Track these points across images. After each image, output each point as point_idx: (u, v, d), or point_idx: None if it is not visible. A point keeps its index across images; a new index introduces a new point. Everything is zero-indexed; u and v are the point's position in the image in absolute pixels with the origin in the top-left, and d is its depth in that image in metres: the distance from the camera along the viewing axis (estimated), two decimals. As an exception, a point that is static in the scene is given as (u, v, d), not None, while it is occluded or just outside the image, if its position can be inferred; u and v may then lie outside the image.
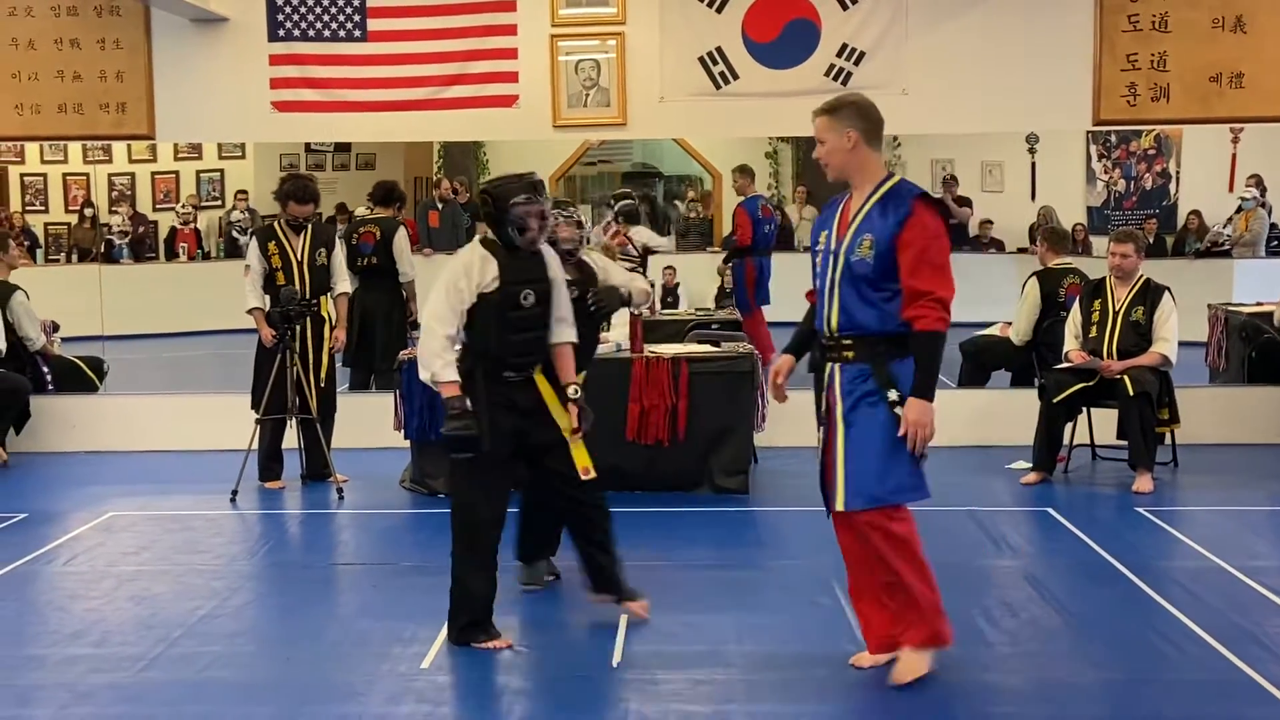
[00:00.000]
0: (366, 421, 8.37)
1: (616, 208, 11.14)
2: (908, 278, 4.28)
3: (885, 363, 4.34)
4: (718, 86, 8.89)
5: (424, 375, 4.93)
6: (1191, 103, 8.72)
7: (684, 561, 6.16)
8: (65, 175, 16.81)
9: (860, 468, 4.36)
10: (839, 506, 4.42)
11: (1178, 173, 14.55)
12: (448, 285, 4.91)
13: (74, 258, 16.12)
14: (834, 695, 4.52)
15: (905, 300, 4.30)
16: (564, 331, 5.12)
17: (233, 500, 7.43)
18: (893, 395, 4.32)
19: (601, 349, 7.61)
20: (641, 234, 11.38)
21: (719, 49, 8.85)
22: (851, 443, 4.37)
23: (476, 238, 5.15)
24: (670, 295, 12.53)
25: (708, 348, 7.76)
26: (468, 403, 4.84)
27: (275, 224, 7.89)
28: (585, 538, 5.20)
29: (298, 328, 7.58)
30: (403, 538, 6.98)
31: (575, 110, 8.99)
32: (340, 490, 7.56)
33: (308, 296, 7.68)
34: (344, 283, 8.02)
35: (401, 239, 9.06)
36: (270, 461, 7.79)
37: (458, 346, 4.97)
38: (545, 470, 5.13)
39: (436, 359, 4.86)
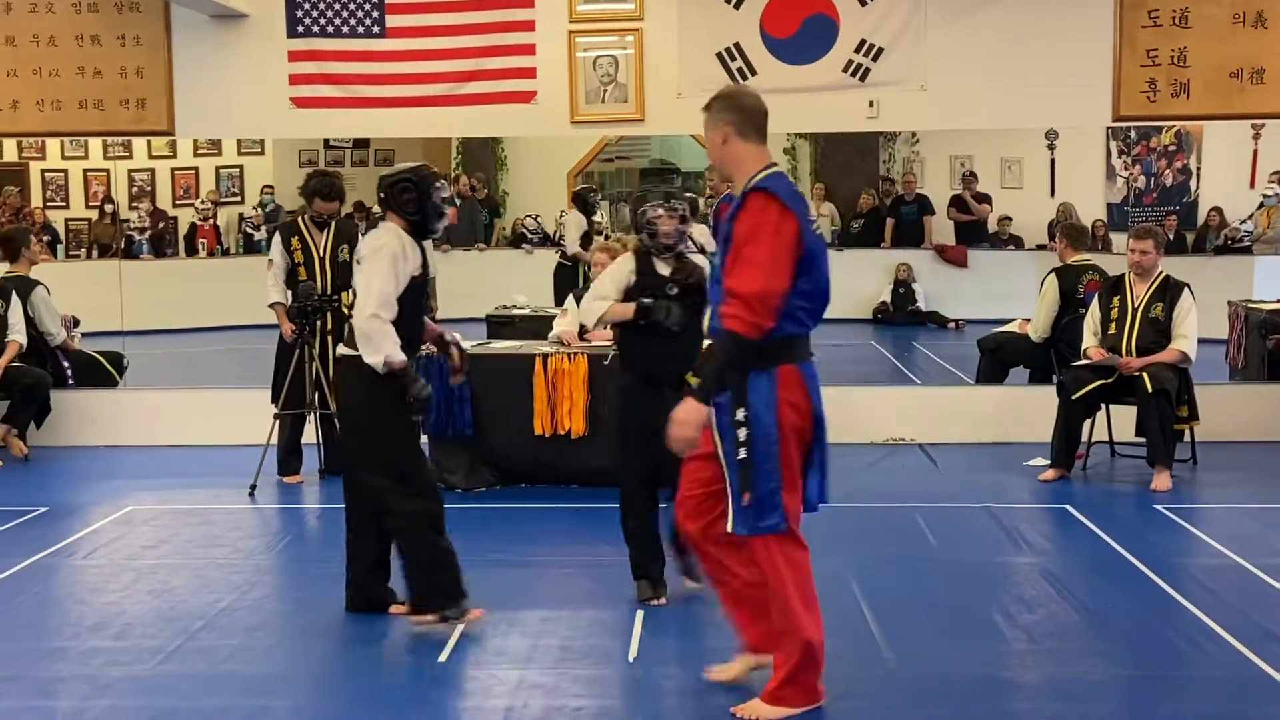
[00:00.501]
0: (384, 417, 8.38)
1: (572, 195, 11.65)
2: (724, 275, 4.00)
3: (740, 376, 3.99)
4: (736, 82, 8.87)
5: (376, 359, 4.90)
6: (1212, 99, 8.68)
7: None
8: (86, 171, 16.89)
9: (733, 491, 4.07)
10: (728, 527, 4.13)
11: (1198, 169, 14.47)
12: (388, 273, 4.96)
13: (94, 253, 16.20)
14: (853, 691, 4.51)
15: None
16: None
17: (251, 495, 7.47)
18: (740, 414, 4.00)
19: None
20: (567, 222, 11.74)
21: (737, 45, 8.85)
22: (727, 461, 4.08)
23: (387, 224, 5.19)
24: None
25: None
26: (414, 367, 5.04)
27: (299, 219, 7.92)
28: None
29: (317, 323, 7.60)
30: (420, 532, 6.99)
31: (593, 106, 8.99)
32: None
33: (329, 292, 7.70)
34: None
35: None
36: (289, 456, 7.82)
37: None
38: None
39: (389, 342, 4.92)
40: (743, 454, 3.98)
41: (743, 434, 3.97)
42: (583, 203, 11.69)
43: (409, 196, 5.09)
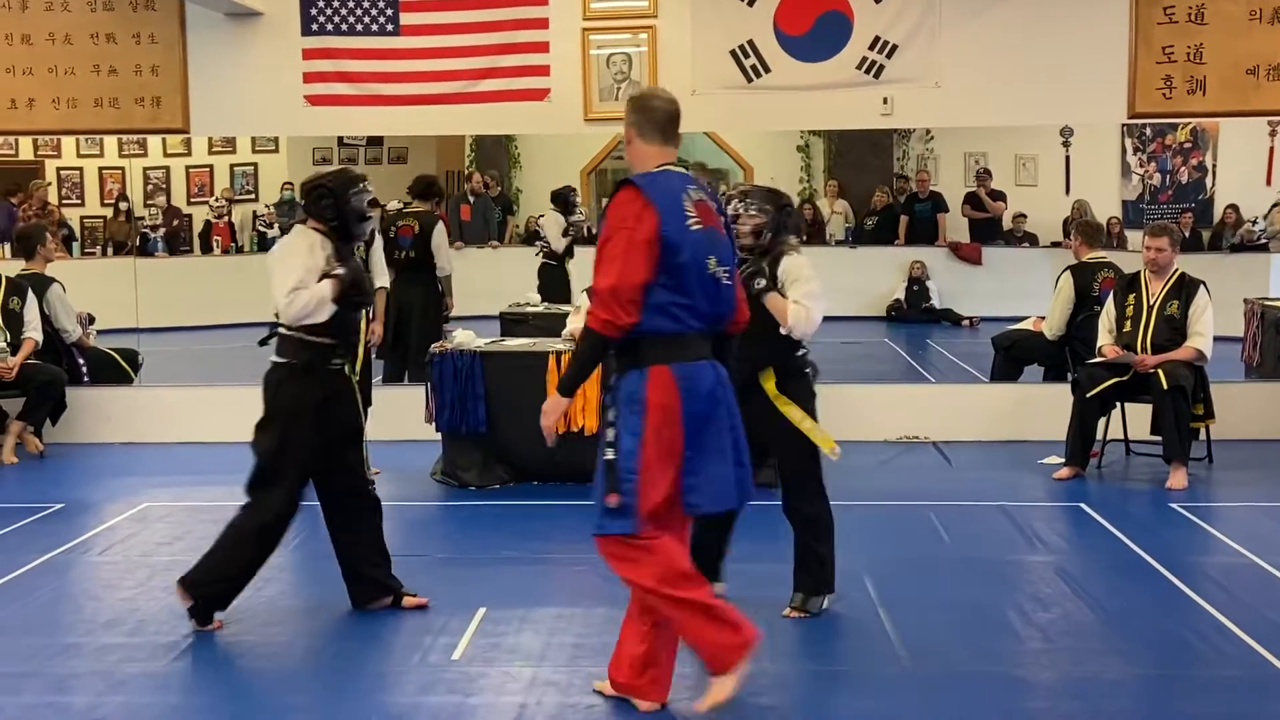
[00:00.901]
0: (398, 414, 8.40)
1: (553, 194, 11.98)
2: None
3: (619, 374, 4.05)
4: (749, 80, 8.87)
5: (324, 310, 4.95)
6: (1228, 95, 8.63)
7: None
8: (101, 169, 16.95)
9: (598, 491, 4.08)
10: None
11: (1214, 166, 14.42)
12: (292, 264, 4.97)
13: (109, 251, 16.26)
14: (868, 689, 4.51)
15: None
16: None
17: (371, 483, 7.45)
18: (610, 414, 4.03)
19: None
20: (547, 223, 11.87)
21: (751, 42, 8.83)
22: (598, 459, 4.11)
23: (300, 225, 5.19)
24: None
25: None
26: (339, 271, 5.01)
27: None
28: (350, 531, 5.31)
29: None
30: (433, 529, 7.01)
31: (607, 104, 8.99)
32: (372, 482, 7.56)
33: None
34: (383, 277, 8.00)
35: (440, 234, 9.10)
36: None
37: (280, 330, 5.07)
38: (338, 462, 5.25)
39: (317, 293, 4.94)
40: (609, 454, 3.98)
41: (610, 434, 3.99)
42: (564, 202, 11.82)
43: (326, 203, 5.08)
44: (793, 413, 5.05)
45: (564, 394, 4.05)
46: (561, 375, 4.10)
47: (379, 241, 8.09)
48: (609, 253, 3.91)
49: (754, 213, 5.10)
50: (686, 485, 3.99)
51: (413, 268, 9.05)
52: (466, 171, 16.52)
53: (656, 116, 4.13)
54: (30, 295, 8.75)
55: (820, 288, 5.08)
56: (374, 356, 8.50)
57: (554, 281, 11.47)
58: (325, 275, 5.00)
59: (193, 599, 5.09)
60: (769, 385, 5.09)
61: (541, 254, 11.80)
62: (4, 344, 8.52)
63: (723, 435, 4.04)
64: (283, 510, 5.12)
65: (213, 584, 5.11)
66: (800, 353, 5.19)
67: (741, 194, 5.18)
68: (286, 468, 5.06)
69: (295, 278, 4.95)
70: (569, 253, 11.56)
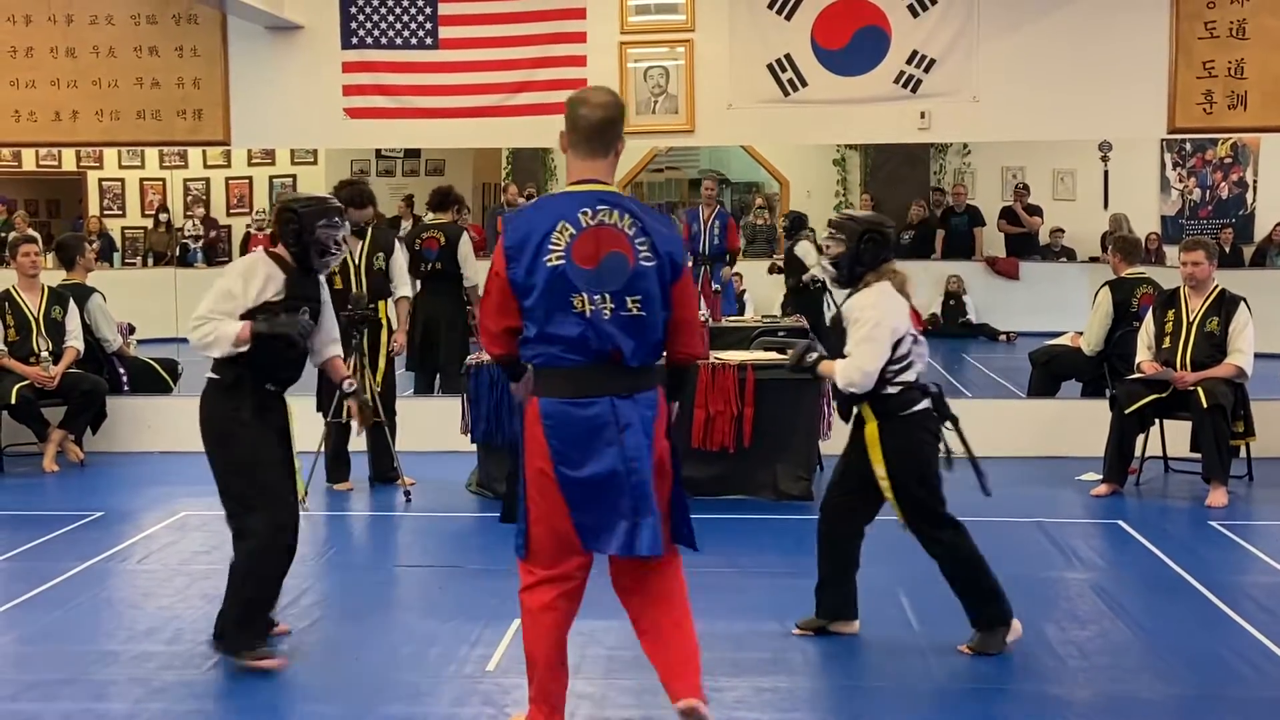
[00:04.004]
0: (434, 425, 8.44)
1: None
2: None
3: None
4: (786, 94, 8.87)
5: (224, 349, 4.81)
6: (1270, 110, 8.57)
7: (747, 568, 6.15)
8: (142, 180, 17.12)
9: None
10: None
11: (1255, 182, 14.30)
12: (224, 290, 4.86)
13: (149, 261, 16.42)
14: (899, 705, 4.49)
15: None
16: (332, 349, 5.24)
17: (302, 502, 7.51)
18: None
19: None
20: None
21: (788, 56, 8.84)
22: None
23: (260, 249, 5.10)
24: (736, 302, 12.52)
25: (774, 355, 7.74)
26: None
27: None
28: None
29: (364, 331, 7.58)
30: (469, 540, 7.02)
31: (643, 117, 9.01)
32: (408, 493, 7.63)
33: (366, 301, 7.69)
34: (404, 287, 8.03)
35: (465, 244, 9.12)
36: (336, 464, 7.86)
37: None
38: None
39: (223, 332, 4.80)
40: None
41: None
42: None
43: (290, 228, 4.93)
44: (878, 468, 4.86)
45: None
46: None
47: (399, 252, 8.10)
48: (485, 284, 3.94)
49: (831, 245, 5.01)
50: (575, 522, 3.83)
51: (439, 279, 9.07)
52: (503, 184, 16.59)
53: (581, 125, 3.86)
54: (72, 305, 8.85)
55: (873, 329, 4.80)
56: (405, 368, 8.54)
57: None
58: (248, 315, 4.81)
59: (233, 652, 4.87)
60: (869, 429, 4.88)
61: None
62: (46, 353, 8.62)
63: (613, 479, 3.77)
64: (270, 527, 4.88)
65: (245, 628, 4.89)
66: (892, 390, 4.84)
67: (831, 224, 5.06)
68: (247, 488, 4.89)
69: (213, 305, 4.82)
70: None
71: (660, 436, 3.87)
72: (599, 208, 3.78)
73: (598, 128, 3.85)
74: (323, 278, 5.18)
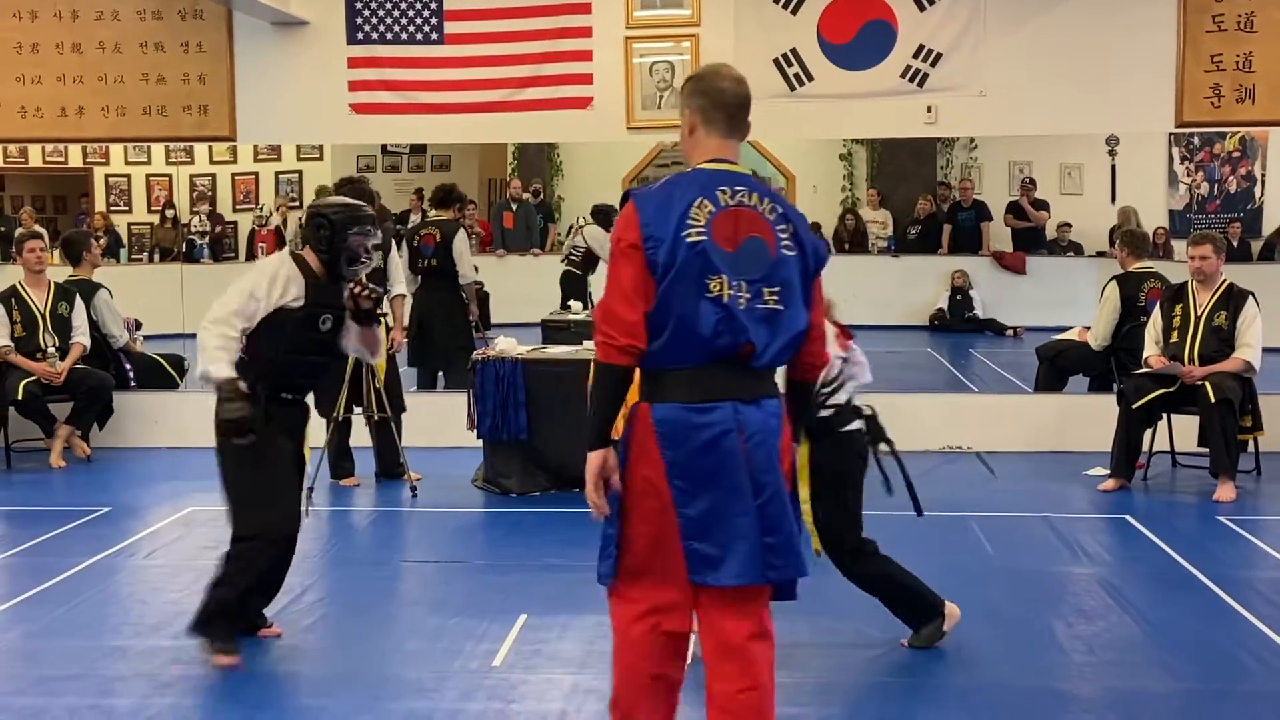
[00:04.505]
0: (439, 421, 8.44)
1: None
2: None
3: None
4: (792, 88, 8.86)
5: (197, 374, 4.74)
6: (1278, 104, 8.53)
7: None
8: (148, 176, 17.15)
9: None
10: None
11: (1263, 176, 14.25)
12: (246, 291, 4.78)
13: (156, 257, 16.45)
14: (905, 701, 4.48)
15: None
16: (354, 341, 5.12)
17: (307, 497, 7.52)
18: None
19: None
20: (591, 235, 11.95)
21: (794, 50, 8.82)
22: None
23: (286, 250, 5.03)
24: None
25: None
26: (242, 385, 4.73)
27: None
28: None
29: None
30: (475, 536, 7.03)
31: (649, 112, 9.01)
32: (414, 488, 7.64)
33: None
34: (400, 284, 8.03)
35: (460, 241, 9.10)
36: (340, 460, 7.86)
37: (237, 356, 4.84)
38: None
39: (223, 354, 4.74)
40: None
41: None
42: (606, 219, 11.86)
43: (323, 234, 4.87)
44: (802, 489, 4.23)
45: (591, 447, 3.36)
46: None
47: (396, 250, 8.13)
48: (609, 271, 3.38)
49: None
50: (688, 550, 3.32)
51: (436, 275, 9.06)
52: (509, 179, 16.61)
53: (727, 100, 3.46)
54: (78, 301, 8.85)
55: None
56: (406, 364, 8.54)
57: (575, 292, 11.59)
58: (224, 406, 4.74)
59: (206, 640, 4.86)
60: (800, 450, 4.16)
61: (567, 261, 11.94)
62: (53, 349, 8.63)
63: (740, 497, 3.30)
64: (262, 530, 4.88)
65: (211, 623, 4.86)
66: (827, 412, 4.28)
67: None
68: (245, 489, 4.89)
69: (237, 306, 4.75)
70: (593, 267, 11.73)
71: (785, 453, 3.42)
72: (738, 188, 3.39)
73: (740, 103, 3.48)
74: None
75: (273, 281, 4.82)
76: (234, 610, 4.91)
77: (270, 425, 4.87)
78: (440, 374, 9.38)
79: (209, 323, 4.77)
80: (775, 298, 3.34)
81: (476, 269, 9.29)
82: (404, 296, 8.13)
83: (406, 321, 8.31)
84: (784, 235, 3.38)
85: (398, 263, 8.08)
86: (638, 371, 3.39)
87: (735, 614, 3.38)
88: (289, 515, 4.99)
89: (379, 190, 9.35)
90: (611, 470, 3.35)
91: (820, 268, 3.46)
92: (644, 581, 3.39)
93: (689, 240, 3.29)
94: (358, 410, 7.73)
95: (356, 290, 4.98)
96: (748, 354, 3.31)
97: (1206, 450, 7.52)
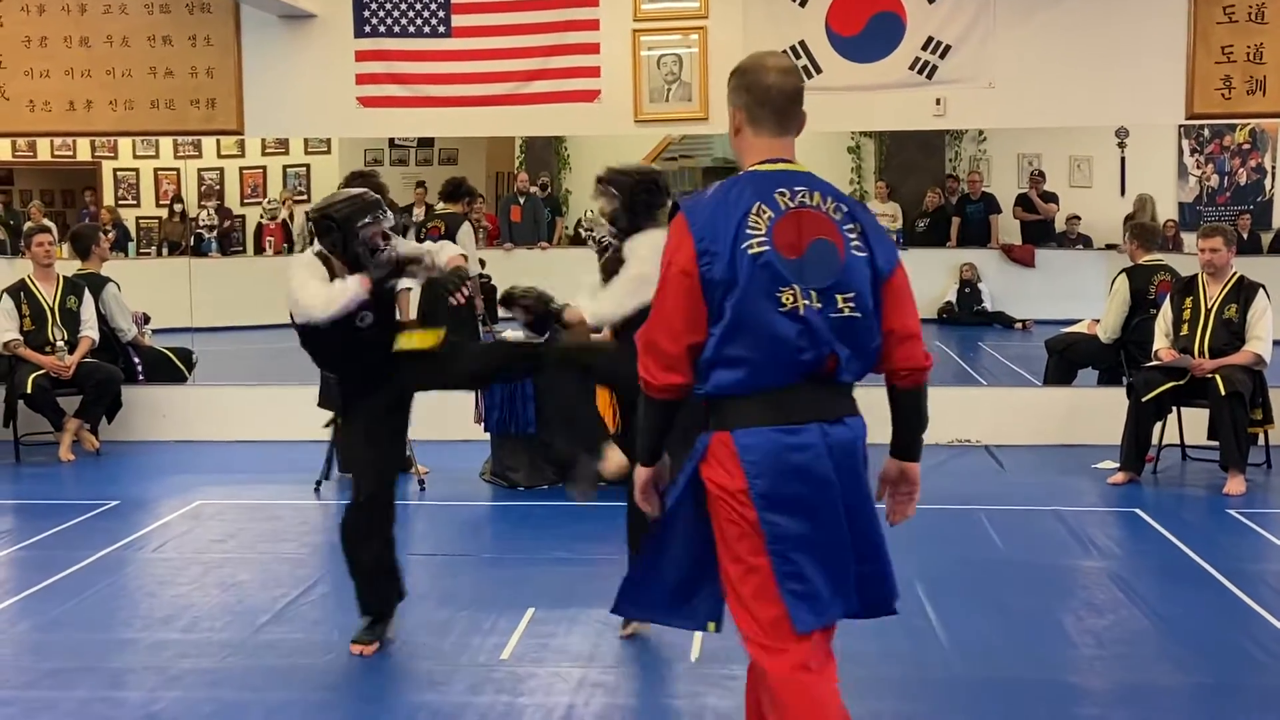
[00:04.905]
0: (446, 414, 8.43)
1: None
2: None
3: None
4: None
5: (340, 305, 4.64)
6: (1289, 96, 8.51)
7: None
8: (156, 170, 17.17)
9: None
10: None
11: (1273, 168, 14.20)
12: (307, 279, 4.72)
13: (164, 251, 16.47)
14: (915, 693, 4.47)
15: None
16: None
17: (317, 490, 7.54)
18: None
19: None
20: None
21: (802, 43, 8.79)
22: None
23: (311, 249, 4.91)
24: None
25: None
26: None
27: None
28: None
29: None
30: (483, 529, 7.04)
31: (657, 105, 8.99)
32: (422, 481, 7.64)
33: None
34: (409, 278, 8.02)
35: (465, 234, 9.09)
36: (352, 452, 7.87)
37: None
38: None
39: (335, 293, 4.66)
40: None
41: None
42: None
43: (335, 236, 4.77)
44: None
45: (641, 464, 3.20)
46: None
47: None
48: (655, 295, 3.10)
49: (604, 202, 5.06)
50: (786, 594, 3.01)
51: None
52: (515, 172, 16.60)
53: (772, 97, 3.15)
54: (87, 294, 8.87)
55: (641, 270, 4.58)
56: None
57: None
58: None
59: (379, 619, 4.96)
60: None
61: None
62: (61, 343, 8.64)
63: (832, 527, 3.04)
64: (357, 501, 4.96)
65: (361, 602, 4.98)
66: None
67: (600, 180, 5.03)
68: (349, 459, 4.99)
69: (320, 290, 4.70)
70: None
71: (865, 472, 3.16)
72: (797, 188, 3.08)
73: (790, 96, 3.17)
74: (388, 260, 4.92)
75: (320, 278, 4.75)
76: (363, 585, 4.94)
77: (370, 408, 4.86)
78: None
79: (312, 299, 4.67)
80: (850, 305, 3.03)
81: (483, 263, 9.28)
82: (409, 290, 8.12)
83: (414, 314, 8.29)
84: (852, 235, 3.08)
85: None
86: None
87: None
88: (381, 484, 4.96)
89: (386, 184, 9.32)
90: (662, 480, 3.19)
91: (893, 267, 3.13)
92: (788, 628, 3.02)
93: (750, 252, 2.98)
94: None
95: (455, 299, 4.96)
96: (832, 368, 3.03)
97: (1216, 443, 7.50)
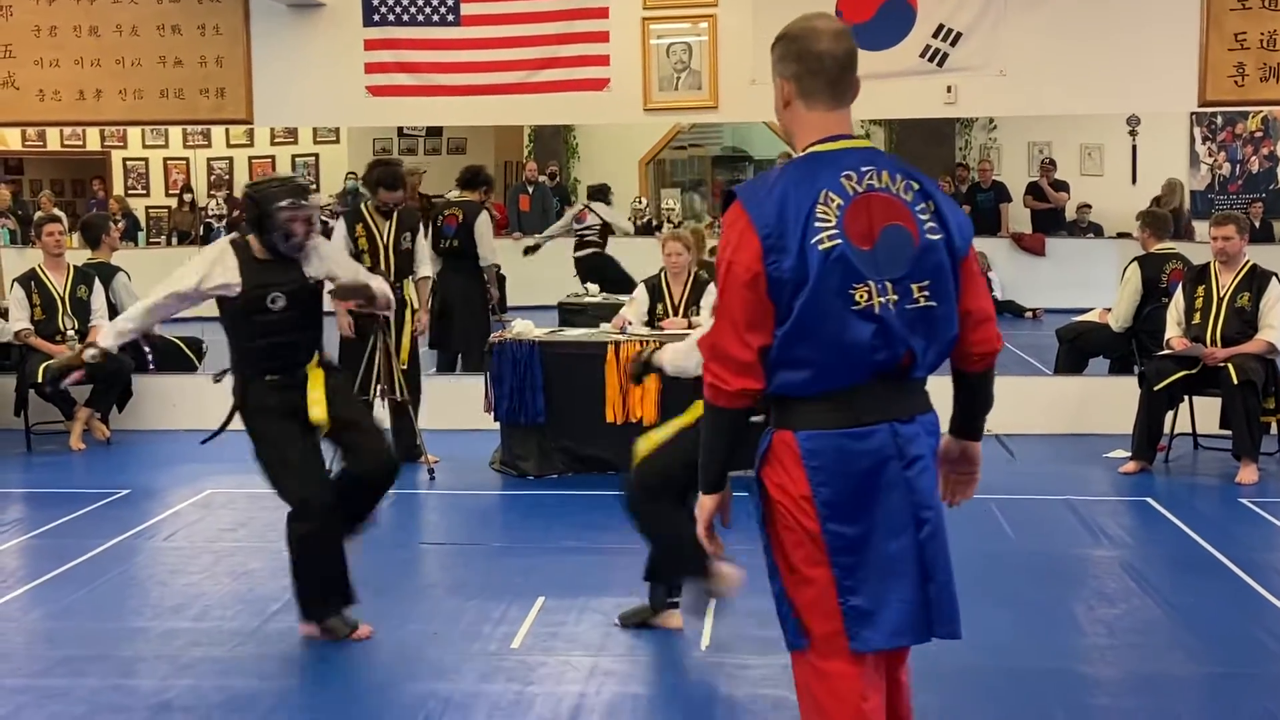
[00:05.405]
0: (456, 403, 8.44)
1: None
2: None
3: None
4: (811, 68, 8.78)
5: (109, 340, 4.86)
6: (1303, 83, 8.46)
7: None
8: (166, 160, 17.20)
9: None
10: None
11: (1286, 156, 14.16)
12: (179, 274, 4.83)
13: (174, 240, 16.50)
14: (927, 684, 4.44)
15: None
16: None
17: (328, 476, 7.52)
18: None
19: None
20: (604, 211, 12.35)
21: (813, 30, 8.74)
22: None
23: (226, 238, 5.03)
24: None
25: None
26: (95, 352, 4.80)
27: (363, 207, 7.98)
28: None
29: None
30: (493, 518, 7.04)
31: (666, 93, 8.96)
32: (431, 471, 7.64)
33: (392, 280, 7.71)
34: (426, 267, 8.05)
35: (482, 223, 9.09)
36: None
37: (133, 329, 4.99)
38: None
39: (129, 322, 4.87)
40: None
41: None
42: (604, 198, 12.36)
43: (252, 214, 4.83)
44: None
45: (704, 490, 2.91)
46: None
47: (422, 232, 8.14)
48: (717, 295, 2.84)
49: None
50: (847, 610, 2.80)
51: (457, 257, 9.05)
52: (524, 161, 16.59)
53: (825, 66, 2.86)
54: (97, 284, 8.88)
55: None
56: (426, 346, 8.55)
57: (601, 267, 11.69)
58: (84, 348, 4.89)
59: (316, 623, 4.94)
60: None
61: (584, 244, 12.09)
62: (72, 332, 8.65)
63: (899, 536, 2.81)
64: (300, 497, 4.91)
65: (304, 599, 4.95)
66: None
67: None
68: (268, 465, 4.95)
69: (162, 293, 4.84)
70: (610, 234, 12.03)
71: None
72: (863, 169, 2.80)
73: (843, 64, 2.88)
74: (316, 254, 4.97)
75: (210, 266, 4.83)
76: (313, 582, 4.92)
77: (268, 408, 4.88)
78: (459, 356, 9.38)
79: (137, 304, 4.87)
80: (926, 293, 2.78)
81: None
82: (428, 279, 8.13)
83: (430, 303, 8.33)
84: (925, 216, 2.80)
85: (424, 245, 8.09)
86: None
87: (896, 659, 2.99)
88: (309, 483, 4.92)
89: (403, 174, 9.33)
90: (726, 511, 2.94)
91: (968, 245, 2.88)
92: (842, 645, 2.82)
93: (821, 248, 2.71)
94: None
95: (350, 309, 5.03)
96: (908, 364, 2.80)
97: (1228, 432, 7.47)
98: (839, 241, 2.71)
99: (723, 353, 2.76)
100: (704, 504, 2.92)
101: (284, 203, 4.76)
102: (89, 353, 4.86)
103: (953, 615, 2.89)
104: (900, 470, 2.79)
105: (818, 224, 2.72)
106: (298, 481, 4.88)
